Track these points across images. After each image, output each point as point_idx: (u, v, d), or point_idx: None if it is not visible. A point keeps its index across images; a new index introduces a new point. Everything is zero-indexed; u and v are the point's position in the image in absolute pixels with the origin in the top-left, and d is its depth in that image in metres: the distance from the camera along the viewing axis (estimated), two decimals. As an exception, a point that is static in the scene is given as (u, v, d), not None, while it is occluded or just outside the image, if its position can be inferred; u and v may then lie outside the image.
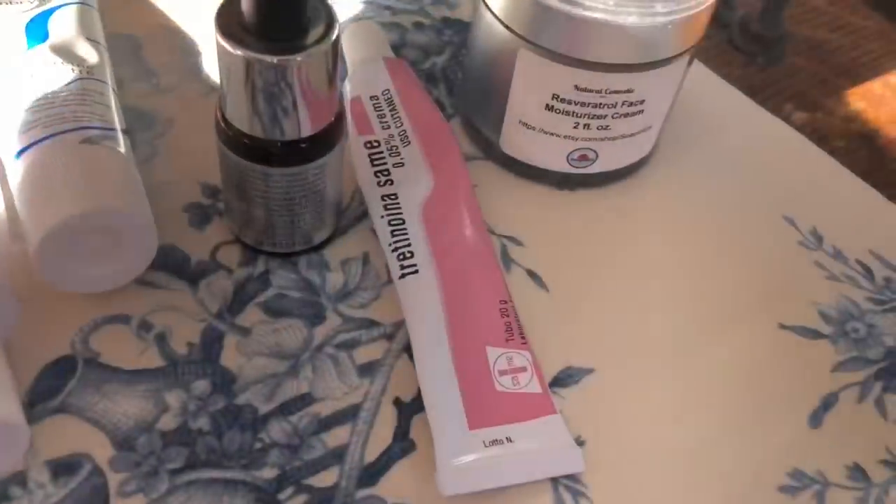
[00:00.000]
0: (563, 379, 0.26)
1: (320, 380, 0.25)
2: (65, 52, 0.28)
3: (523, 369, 0.25)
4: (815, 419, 0.26)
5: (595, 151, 0.30)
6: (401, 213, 0.28)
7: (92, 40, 0.30)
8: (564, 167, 0.30)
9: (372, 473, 0.24)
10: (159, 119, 0.31)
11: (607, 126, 0.29)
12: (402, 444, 0.24)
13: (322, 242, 0.28)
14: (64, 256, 0.24)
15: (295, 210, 0.26)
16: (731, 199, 0.32)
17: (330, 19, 0.24)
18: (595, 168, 0.30)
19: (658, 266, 0.29)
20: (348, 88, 0.31)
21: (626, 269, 0.29)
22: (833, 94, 0.37)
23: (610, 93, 0.28)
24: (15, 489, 0.22)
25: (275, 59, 0.23)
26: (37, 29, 0.29)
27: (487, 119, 0.31)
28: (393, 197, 0.29)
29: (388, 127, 0.30)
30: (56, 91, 0.27)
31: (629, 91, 0.28)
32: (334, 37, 0.24)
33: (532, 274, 0.29)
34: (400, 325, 0.27)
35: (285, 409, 0.25)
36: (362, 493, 0.23)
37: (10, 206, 0.26)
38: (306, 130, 0.25)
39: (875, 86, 0.38)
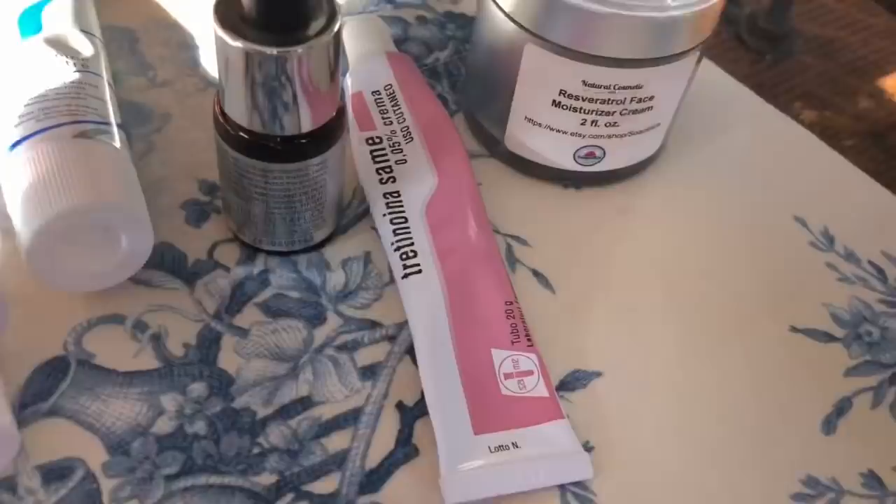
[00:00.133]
0: (571, 382, 0.26)
1: (321, 382, 0.25)
2: (59, 45, 0.28)
3: (530, 372, 0.25)
4: (829, 425, 0.25)
5: (602, 149, 0.29)
6: (403, 212, 0.28)
7: (87, 32, 0.29)
8: (571, 165, 0.30)
9: (374, 480, 0.23)
10: (156, 113, 0.31)
11: (615, 123, 0.28)
12: (405, 449, 0.24)
13: (322, 241, 0.28)
14: (56, 253, 0.24)
15: (295, 208, 0.26)
16: (741, 199, 0.31)
17: (332, 11, 0.23)
18: (602, 166, 0.30)
19: (666, 266, 0.29)
20: (349, 83, 0.31)
21: (634, 269, 0.29)
22: (842, 92, 0.37)
23: (619, 89, 0.27)
24: (4, 495, 0.22)
25: (275, 51, 0.22)
26: (30, 20, 0.28)
27: (492, 115, 0.30)
28: (395, 195, 0.28)
29: (391, 123, 0.30)
30: (50, 84, 0.26)
31: (638, 87, 0.27)
32: (336, 29, 0.23)
33: (538, 274, 0.28)
34: (402, 326, 0.26)
35: (284, 412, 0.24)
36: (364, 499, 0.23)
37: (1, 201, 0.26)
38: (307, 126, 0.24)
39: (885, 84, 0.37)
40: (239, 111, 0.24)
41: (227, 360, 0.25)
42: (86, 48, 0.28)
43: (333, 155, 0.25)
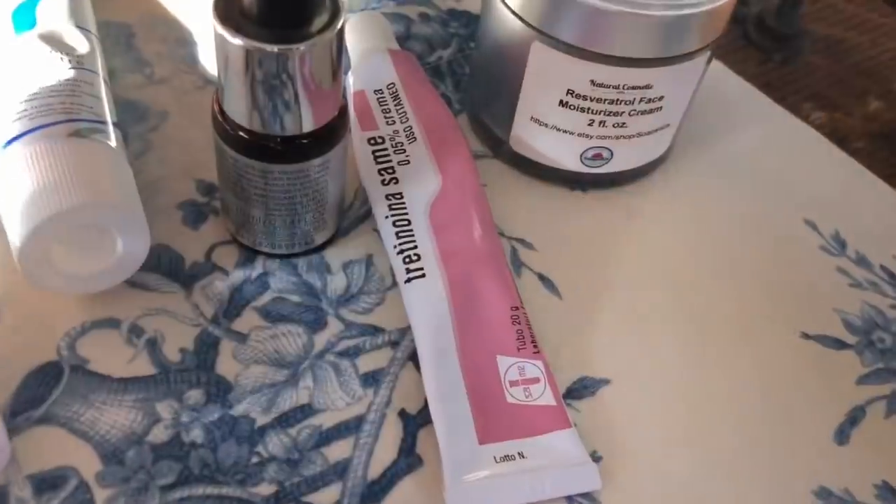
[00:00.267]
0: (578, 390, 0.25)
1: (321, 390, 0.24)
2: (54, 41, 0.27)
3: (536, 380, 0.24)
4: (842, 434, 0.25)
5: (610, 150, 0.29)
6: (406, 214, 0.27)
7: (82, 28, 0.28)
8: (577, 166, 0.29)
9: (376, 491, 0.22)
10: (153, 112, 0.30)
11: (623, 123, 0.28)
12: (408, 459, 0.23)
13: (323, 243, 0.27)
14: (50, 255, 0.23)
15: (295, 209, 0.25)
16: (750, 202, 0.30)
17: (335, 8, 0.22)
18: (609, 168, 0.29)
19: (675, 271, 0.28)
20: (351, 82, 0.30)
21: (642, 274, 0.28)
22: (852, 93, 0.36)
23: (628, 89, 0.26)
24: (-6, 506, 0.21)
25: (275, 49, 0.21)
26: (24, 15, 0.28)
27: (497, 115, 0.30)
28: (398, 196, 0.27)
29: (393, 122, 0.29)
30: (44, 81, 0.25)
31: (648, 87, 0.27)
32: (339, 26, 0.22)
33: (544, 279, 0.27)
34: (405, 331, 0.25)
35: (284, 420, 0.23)
36: (366, 511, 0.22)
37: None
38: (308, 125, 0.23)
39: (895, 86, 0.37)
40: (238, 110, 0.23)
41: (225, 366, 0.24)
42: (81, 44, 0.27)
43: (335, 156, 0.25)
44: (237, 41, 0.21)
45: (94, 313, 0.25)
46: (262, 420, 0.23)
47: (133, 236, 0.24)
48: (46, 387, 0.23)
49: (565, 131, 0.28)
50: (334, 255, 0.27)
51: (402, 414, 0.24)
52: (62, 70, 0.26)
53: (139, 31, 0.32)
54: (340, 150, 0.25)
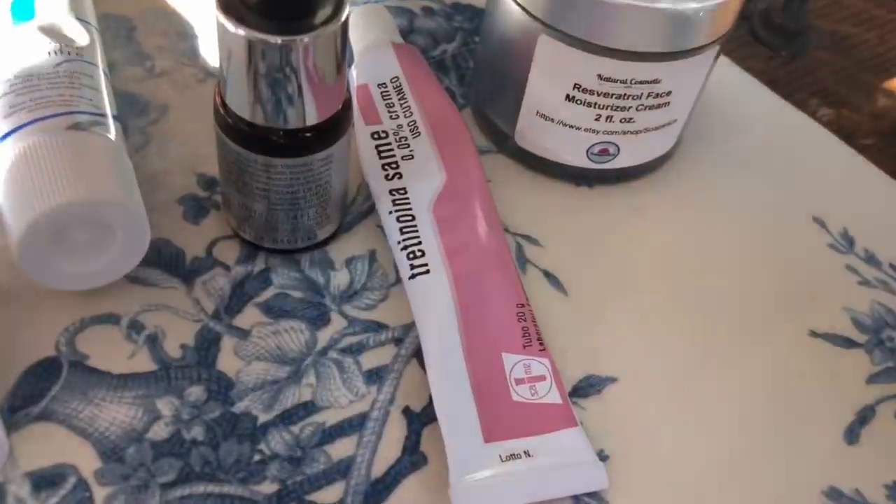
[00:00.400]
0: (584, 388, 0.25)
1: (324, 387, 0.24)
2: (53, 32, 0.27)
3: (542, 378, 0.24)
4: (851, 434, 0.25)
5: (617, 146, 0.28)
6: (410, 209, 0.27)
7: (82, 20, 0.28)
8: (583, 162, 0.29)
9: (380, 489, 0.22)
10: (153, 105, 0.30)
11: (631, 119, 0.27)
12: (412, 457, 0.23)
13: (326, 239, 0.27)
14: (48, 250, 0.23)
15: (298, 204, 0.25)
16: (757, 199, 0.30)
17: (339, -1, 0.22)
18: (615, 163, 0.29)
19: (682, 268, 0.28)
20: (354, 75, 0.30)
21: (649, 271, 0.28)
22: (859, 90, 0.36)
23: (635, 83, 0.26)
24: (-9, 504, 0.21)
25: (279, 40, 0.21)
26: (23, 6, 0.27)
27: (502, 110, 0.29)
28: (402, 191, 0.27)
29: (397, 117, 0.29)
30: (42, 73, 0.25)
31: (656, 82, 0.26)
32: (344, 17, 0.22)
33: (549, 275, 0.27)
34: (409, 328, 0.25)
35: (286, 418, 0.23)
36: (369, 510, 0.22)
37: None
38: (312, 119, 0.23)
39: (903, 82, 0.36)
40: (241, 103, 0.23)
41: (227, 362, 0.24)
42: (81, 36, 0.27)
43: (339, 150, 0.24)
44: (240, 32, 0.21)
45: (94, 309, 0.24)
46: (264, 417, 0.23)
47: (133, 231, 0.23)
48: (45, 383, 0.23)
49: (572, 126, 0.28)
50: (337, 251, 0.27)
51: (406, 412, 0.23)
52: (61, 62, 0.26)
53: (140, 25, 0.32)
54: (344, 143, 0.24)
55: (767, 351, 0.26)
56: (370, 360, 0.24)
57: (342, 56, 0.23)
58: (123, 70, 0.30)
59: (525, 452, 0.22)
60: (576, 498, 0.22)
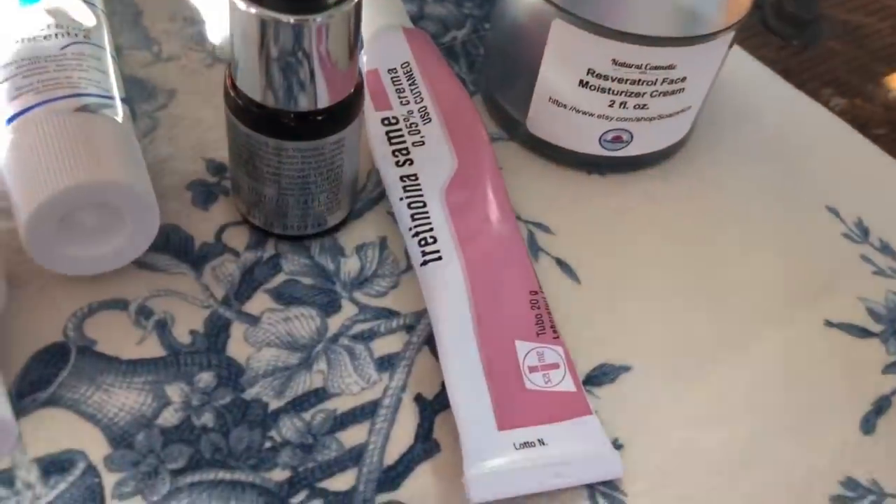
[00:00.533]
0: (598, 377, 0.24)
1: (335, 374, 0.23)
2: (60, 14, 0.26)
3: (556, 366, 0.23)
4: (868, 424, 0.24)
5: (630, 133, 0.28)
6: (422, 196, 0.26)
7: (89, 3, 0.27)
8: (596, 149, 0.28)
9: (392, 476, 0.22)
10: (160, 90, 0.29)
11: (645, 105, 0.27)
12: (425, 444, 0.22)
13: (336, 225, 0.26)
14: (56, 234, 0.22)
15: (309, 189, 0.24)
16: (771, 187, 0.30)
17: (353, -21, 0.22)
18: (628, 151, 0.28)
19: (694, 257, 0.28)
20: (364, 60, 0.29)
21: (662, 259, 0.27)
22: (872, 79, 0.35)
23: (650, 69, 0.26)
24: (0, 489, 0.20)
25: (292, 19, 0.21)
26: (29, -11, 0.27)
27: (513, 97, 0.29)
28: (413, 178, 0.27)
29: (408, 102, 0.28)
30: (50, 55, 0.25)
31: (671, 67, 0.26)
32: (358, -3, 0.21)
33: (562, 263, 0.27)
34: (420, 315, 0.25)
35: (298, 404, 0.23)
36: (382, 497, 0.21)
37: (-2, 178, 0.24)
38: (323, 101, 0.23)
39: (916, 73, 0.36)
40: (252, 84, 0.22)
41: (237, 348, 0.23)
42: (88, 19, 0.27)
43: (350, 133, 0.24)
44: (252, 10, 0.21)
45: (101, 294, 0.24)
46: (274, 404, 0.23)
47: (142, 214, 0.23)
48: (53, 368, 0.22)
49: (585, 113, 0.27)
50: (347, 238, 0.26)
51: (419, 399, 0.23)
52: (68, 44, 0.25)
53: (146, 9, 0.32)
54: (356, 127, 0.24)
55: (782, 340, 0.26)
56: (381, 347, 0.24)
57: (355, 37, 0.22)
58: (130, 55, 0.30)
59: (539, 441, 0.22)
60: (590, 486, 0.22)
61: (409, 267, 0.26)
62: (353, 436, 0.22)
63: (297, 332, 0.24)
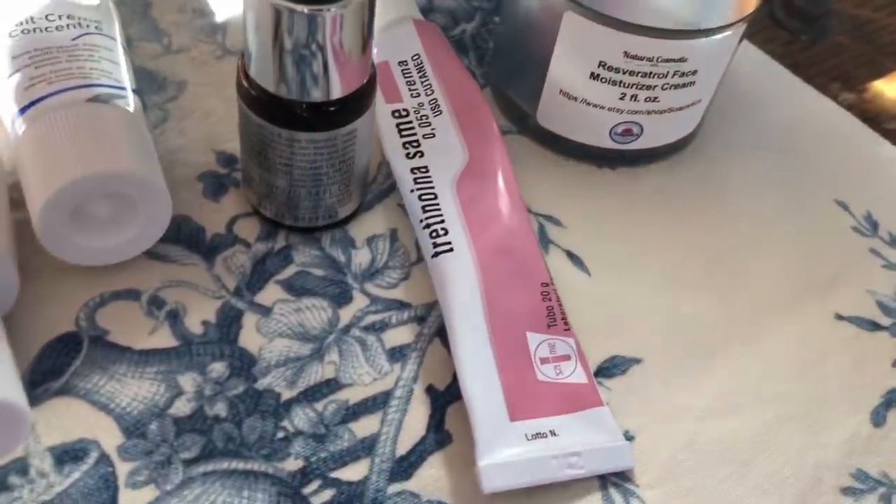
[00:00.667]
0: (609, 369, 0.24)
1: (347, 364, 0.23)
2: (72, 5, 0.26)
3: (567, 357, 0.24)
4: (878, 416, 0.24)
5: (640, 126, 0.28)
6: (433, 188, 0.26)
7: (100, -6, 0.27)
8: (606, 142, 0.28)
9: (405, 466, 0.22)
10: (170, 82, 0.29)
11: (656, 98, 0.27)
12: (437, 435, 0.22)
13: (346, 218, 0.26)
14: (69, 224, 0.22)
15: (321, 180, 0.24)
16: (780, 181, 0.30)
17: (366, -30, 0.22)
18: (638, 144, 0.28)
19: (704, 250, 0.28)
20: (374, 52, 0.29)
21: (672, 252, 0.27)
22: (881, 75, 0.35)
23: (662, 61, 0.26)
24: (14, 478, 0.20)
25: (306, 9, 0.21)
26: (40, -20, 0.27)
27: (523, 90, 0.29)
28: (423, 170, 0.27)
29: (418, 95, 0.28)
30: (61, 46, 0.25)
31: (682, 60, 0.26)
32: (372, -12, 0.21)
33: (572, 256, 0.27)
34: (431, 307, 0.25)
35: (310, 395, 0.23)
36: (394, 487, 0.21)
37: (12, 168, 0.24)
38: (336, 92, 0.23)
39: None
40: (265, 75, 0.22)
41: (249, 339, 0.23)
42: (98, 10, 0.27)
43: (363, 125, 0.24)
44: (266, 0, 0.21)
45: (114, 284, 0.24)
46: (287, 394, 0.23)
47: (155, 204, 0.23)
48: (65, 358, 0.22)
49: (595, 105, 0.27)
50: (358, 230, 0.26)
51: (430, 390, 0.23)
52: (80, 35, 0.25)
53: (155, 1, 0.32)
54: (368, 118, 0.24)
55: (792, 333, 0.26)
56: (393, 338, 0.24)
57: (369, 28, 0.22)
58: (140, 46, 0.30)
59: (551, 432, 0.22)
60: (602, 477, 0.22)
61: (420, 259, 0.26)
62: (365, 426, 0.22)
63: (309, 322, 0.24)
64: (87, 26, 0.26)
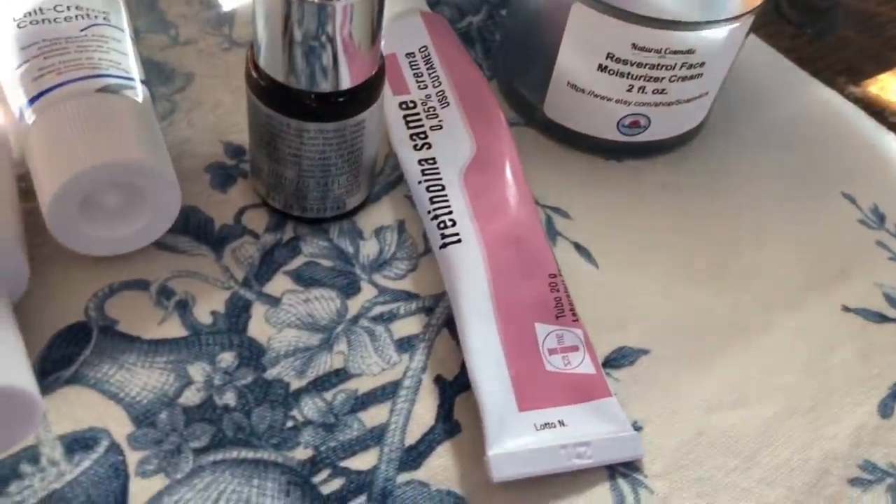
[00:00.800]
0: (617, 360, 0.24)
1: (356, 354, 0.23)
2: (79, -4, 0.26)
3: (575, 348, 0.24)
4: (886, 408, 0.24)
5: (648, 118, 0.28)
6: (440, 179, 0.26)
7: (107, -15, 0.27)
8: (613, 135, 0.28)
9: (414, 456, 0.22)
10: (178, 73, 0.29)
11: (664, 90, 0.27)
12: (446, 425, 0.22)
13: (354, 209, 0.26)
14: (78, 215, 0.22)
15: (329, 171, 0.24)
16: (787, 174, 0.30)
17: (376, -40, 0.22)
18: (645, 136, 0.29)
19: (711, 242, 0.28)
20: (382, 44, 0.29)
21: (679, 244, 0.27)
22: (887, 68, 0.35)
23: (669, 53, 0.26)
24: (26, 466, 0.20)
25: (316, 0, 0.21)
26: (48, -29, 0.27)
27: (530, 82, 0.29)
28: (431, 161, 0.27)
29: (426, 87, 0.28)
30: (71, 36, 0.25)
31: (690, 52, 0.26)
32: (382, -22, 0.21)
33: (579, 247, 0.27)
34: (439, 298, 0.25)
35: (319, 384, 0.23)
36: (403, 477, 0.21)
37: (21, 158, 0.24)
38: (346, 83, 0.23)
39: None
40: (274, 65, 0.22)
41: (258, 329, 0.24)
42: (107, 1, 0.27)
43: (371, 116, 0.24)
44: (277, -9, 0.21)
45: (123, 274, 0.24)
46: (296, 384, 0.23)
47: (164, 195, 0.23)
48: (75, 347, 0.23)
49: (603, 97, 0.27)
50: (366, 221, 0.26)
51: (439, 380, 0.23)
52: (88, 26, 0.25)
53: (163, -7, 0.32)
54: (377, 109, 0.24)
55: (800, 325, 0.26)
56: (401, 328, 0.24)
57: (379, 19, 0.22)
58: (147, 38, 0.30)
59: (559, 422, 0.22)
60: (610, 467, 0.22)
61: (428, 250, 0.26)
62: (374, 416, 0.22)
63: (318, 313, 0.24)
64: (96, 17, 0.26)
